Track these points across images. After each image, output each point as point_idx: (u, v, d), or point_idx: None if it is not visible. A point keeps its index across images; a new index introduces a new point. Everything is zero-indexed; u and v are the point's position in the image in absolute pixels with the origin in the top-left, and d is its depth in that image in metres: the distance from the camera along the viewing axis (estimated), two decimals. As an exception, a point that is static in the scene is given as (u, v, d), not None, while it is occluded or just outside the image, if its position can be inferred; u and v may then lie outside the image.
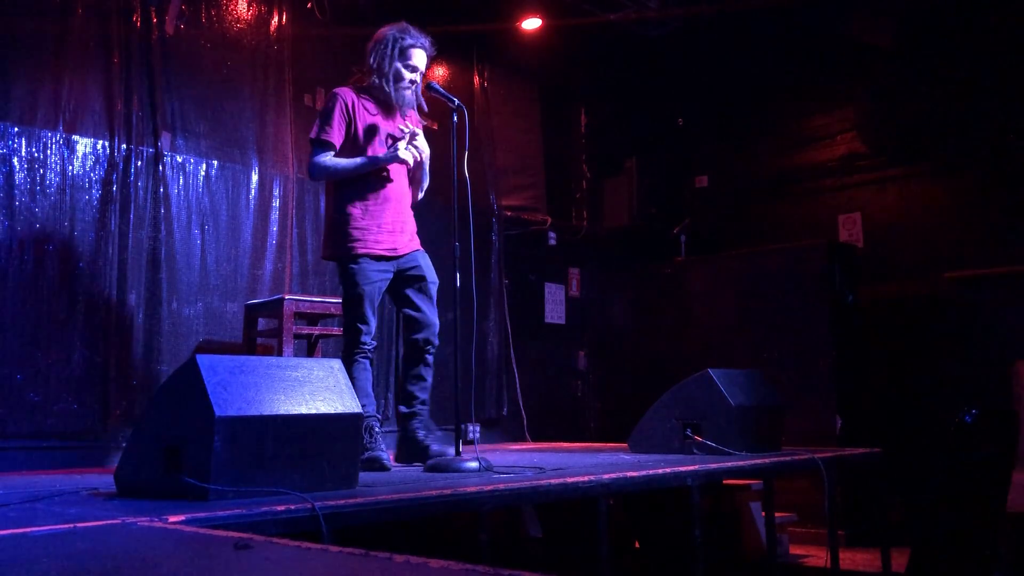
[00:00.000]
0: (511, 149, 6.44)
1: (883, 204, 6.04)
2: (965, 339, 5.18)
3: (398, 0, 4.91)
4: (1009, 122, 5.46)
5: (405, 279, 3.69)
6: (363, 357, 3.60)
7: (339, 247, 3.62)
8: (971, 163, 5.64)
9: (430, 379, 3.70)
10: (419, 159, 3.65)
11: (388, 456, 3.46)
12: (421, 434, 3.61)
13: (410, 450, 3.62)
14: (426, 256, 3.72)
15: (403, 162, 3.59)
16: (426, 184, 3.85)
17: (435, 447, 3.55)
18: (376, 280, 3.61)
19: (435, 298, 3.66)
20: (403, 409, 3.66)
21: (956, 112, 5.68)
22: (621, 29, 6.54)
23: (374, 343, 3.64)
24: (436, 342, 3.66)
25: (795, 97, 6.52)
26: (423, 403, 3.66)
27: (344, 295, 3.65)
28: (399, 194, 3.70)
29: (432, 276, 3.71)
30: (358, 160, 3.61)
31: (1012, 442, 3.98)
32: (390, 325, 5.33)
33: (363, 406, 3.55)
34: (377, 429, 3.53)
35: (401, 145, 3.58)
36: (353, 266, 3.59)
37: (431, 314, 3.65)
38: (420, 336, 3.60)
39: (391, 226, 3.64)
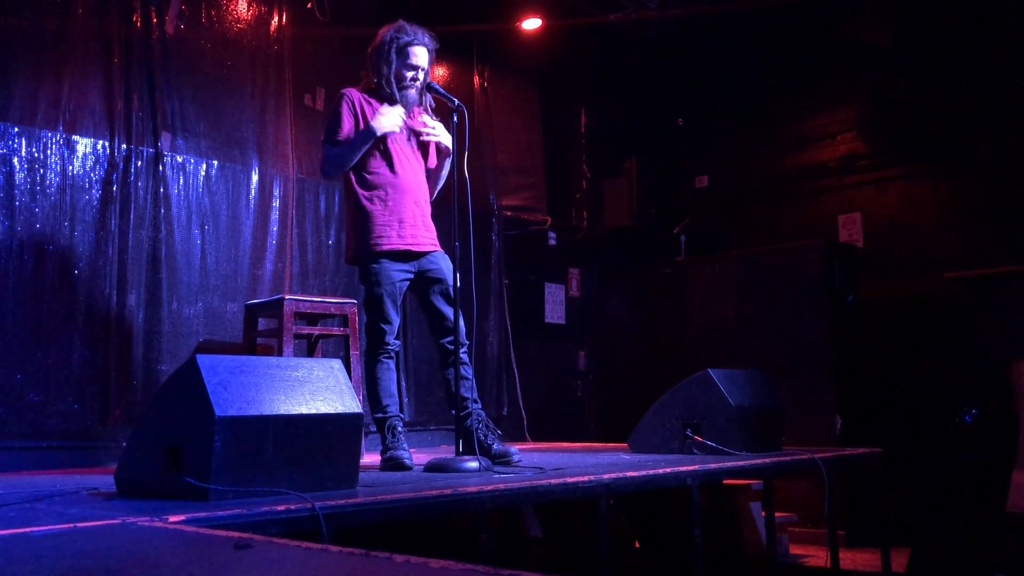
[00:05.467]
0: (511, 149, 6.44)
1: (883, 204, 6.04)
2: (965, 339, 5.18)
3: (398, 0, 4.92)
4: (1009, 122, 5.46)
5: (427, 282, 3.66)
6: (386, 357, 3.58)
7: (362, 247, 3.61)
8: (971, 163, 5.63)
9: (472, 377, 3.64)
10: (402, 126, 3.64)
11: (410, 456, 3.43)
12: (481, 434, 3.53)
13: (471, 452, 3.53)
14: (447, 258, 3.67)
15: (393, 124, 3.57)
16: (442, 183, 3.86)
17: (497, 446, 3.50)
18: (397, 280, 3.60)
19: (457, 300, 3.59)
20: (456, 412, 3.58)
21: (956, 112, 5.67)
22: (621, 29, 6.54)
23: (398, 343, 3.62)
24: (466, 341, 3.61)
25: (795, 97, 6.52)
26: (475, 401, 3.61)
27: (366, 296, 3.64)
28: (415, 189, 3.69)
29: (452, 278, 3.57)
30: (356, 135, 3.61)
31: (1012, 442, 3.98)
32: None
33: (386, 406, 3.54)
34: (400, 429, 3.51)
35: (383, 109, 3.58)
36: (375, 266, 3.58)
37: (457, 316, 3.60)
38: (448, 339, 3.56)
39: (412, 219, 3.63)
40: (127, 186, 4.45)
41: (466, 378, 3.60)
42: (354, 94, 3.71)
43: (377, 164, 3.64)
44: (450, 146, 3.74)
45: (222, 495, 2.23)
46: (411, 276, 3.66)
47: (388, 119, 3.58)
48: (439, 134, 3.71)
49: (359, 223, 3.64)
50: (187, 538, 1.73)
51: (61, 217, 4.26)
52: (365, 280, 3.65)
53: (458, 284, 3.48)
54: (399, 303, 3.64)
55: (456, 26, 5.63)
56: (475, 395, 3.64)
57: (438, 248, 3.72)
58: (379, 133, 3.59)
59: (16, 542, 1.70)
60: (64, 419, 4.16)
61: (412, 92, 3.70)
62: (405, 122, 3.69)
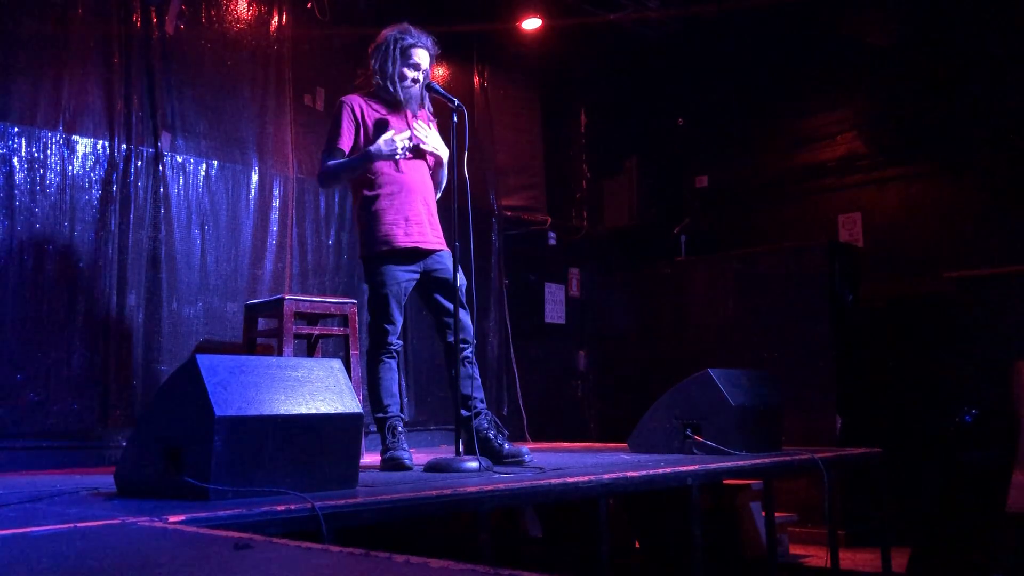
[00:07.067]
0: (511, 149, 6.44)
1: (883, 204, 6.04)
2: (965, 339, 5.18)
3: (398, 0, 4.92)
4: (1009, 122, 5.46)
5: (432, 281, 3.66)
6: (388, 357, 3.58)
7: (368, 247, 3.62)
8: (971, 163, 5.63)
9: (478, 376, 3.64)
10: (414, 147, 3.64)
11: (410, 456, 3.43)
12: (491, 434, 3.52)
13: (483, 453, 3.44)
14: (452, 257, 3.69)
15: (392, 152, 3.56)
16: (443, 184, 3.85)
17: (508, 447, 3.48)
18: (402, 280, 3.60)
19: (464, 299, 3.58)
20: (464, 413, 3.55)
21: (956, 112, 5.67)
22: (621, 29, 6.54)
23: (400, 343, 3.62)
24: (472, 340, 3.61)
25: (795, 97, 6.52)
26: (482, 401, 3.60)
27: (371, 295, 3.64)
28: (421, 187, 3.69)
29: (460, 278, 3.56)
30: (356, 157, 3.62)
31: (1012, 442, 3.99)
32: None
33: (387, 406, 3.54)
34: (400, 429, 3.50)
35: (388, 135, 3.57)
36: (380, 267, 3.59)
37: (463, 316, 3.57)
38: (454, 338, 3.55)
39: (417, 218, 3.63)
40: (127, 186, 4.45)
41: (473, 377, 3.60)
42: (355, 100, 3.70)
43: (383, 163, 3.64)
44: (441, 155, 3.75)
45: (222, 495, 2.23)
46: (417, 276, 3.66)
47: (389, 147, 3.56)
48: (436, 146, 3.72)
49: (365, 223, 3.65)
50: (187, 538, 1.73)
51: (61, 217, 4.26)
52: (370, 280, 3.64)
53: (463, 283, 3.48)
54: (403, 303, 3.64)
55: (456, 26, 5.62)
56: (482, 395, 3.64)
57: (444, 247, 3.72)
58: (377, 159, 3.58)
59: (16, 542, 1.70)
60: (64, 419, 4.16)
61: (415, 91, 3.71)
62: (409, 124, 3.69)
